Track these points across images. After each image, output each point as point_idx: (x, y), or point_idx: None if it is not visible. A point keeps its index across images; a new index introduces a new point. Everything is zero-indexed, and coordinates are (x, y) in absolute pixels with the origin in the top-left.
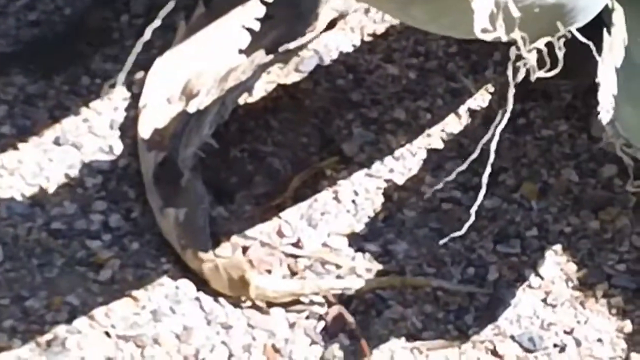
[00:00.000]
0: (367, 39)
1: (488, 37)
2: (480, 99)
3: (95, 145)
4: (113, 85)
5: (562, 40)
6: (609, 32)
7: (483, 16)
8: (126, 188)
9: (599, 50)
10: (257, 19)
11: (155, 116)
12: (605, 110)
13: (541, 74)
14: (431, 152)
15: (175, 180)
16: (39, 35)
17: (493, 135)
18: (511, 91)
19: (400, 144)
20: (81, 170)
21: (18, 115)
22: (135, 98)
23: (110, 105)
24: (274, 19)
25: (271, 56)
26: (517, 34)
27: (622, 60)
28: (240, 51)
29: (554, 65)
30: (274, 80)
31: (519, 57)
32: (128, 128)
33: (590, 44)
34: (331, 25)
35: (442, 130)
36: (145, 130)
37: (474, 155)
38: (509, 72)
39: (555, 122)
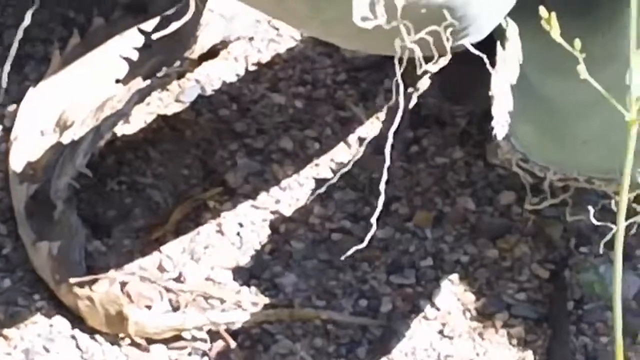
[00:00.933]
0: (252, 68)
1: (368, 26)
2: (371, 127)
3: None
4: None
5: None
6: (503, 47)
7: (362, 2)
8: None
9: (493, 65)
10: (135, 48)
11: (27, 148)
12: (500, 125)
13: (429, 67)
14: (319, 181)
15: (48, 213)
16: None
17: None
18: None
19: (287, 174)
20: None
21: None
22: (6, 131)
23: None
24: (152, 47)
25: (148, 81)
26: (399, 22)
27: (518, 78)
28: (118, 81)
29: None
30: (153, 111)
31: (404, 49)
32: None
33: (484, 56)
34: (213, 54)
35: (331, 160)
36: (16, 163)
37: None
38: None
39: (450, 150)
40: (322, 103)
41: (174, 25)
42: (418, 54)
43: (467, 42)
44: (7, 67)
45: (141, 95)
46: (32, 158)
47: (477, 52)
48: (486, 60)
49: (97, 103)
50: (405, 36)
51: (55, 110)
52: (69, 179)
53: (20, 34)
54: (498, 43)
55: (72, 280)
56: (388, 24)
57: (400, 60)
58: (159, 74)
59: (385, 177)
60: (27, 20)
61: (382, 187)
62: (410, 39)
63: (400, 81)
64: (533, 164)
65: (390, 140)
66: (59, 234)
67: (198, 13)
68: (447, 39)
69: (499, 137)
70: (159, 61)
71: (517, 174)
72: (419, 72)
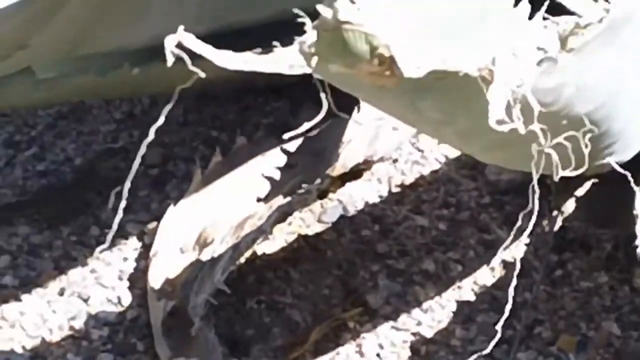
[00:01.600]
0: (395, 189)
1: (504, 129)
2: (516, 251)
3: (103, 296)
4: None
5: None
6: None
7: (499, 106)
8: (134, 340)
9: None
10: (278, 168)
11: (166, 265)
12: None
13: (566, 173)
14: (462, 304)
15: (185, 330)
16: (47, 185)
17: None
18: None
19: (429, 296)
20: (87, 322)
21: (21, 265)
22: (146, 249)
23: (120, 256)
24: (294, 167)
25: (289, 198)
26: (536, 126)
27: None
28: (259, 199)
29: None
30: (295, 230)
31: (540, 154)
32: (138, 279)
33: (628, 174)
34: (356, 175)
35: (474, 282)
36: (155, 279)
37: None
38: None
39: (595, 274)
40: (466, 225)
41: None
42: (555, 159)
43: (612, 161)
44: (127, 184)
45: (282, 213)
46: (171, 275)
47: (621, 170)
48: (630, 179)
49: (237, 221)
50: (542, 140)
51: (196, 228)
52: (207, 295)
53: (143, 149)
54: None
55: None
56: (524, 128)
57: (537, 167)
58: (300, 191)
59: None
60: (151, 135)
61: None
62: (548, 145)
63: (536, 185)
64: None
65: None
66: (196, 351)
67: (341, 130)
68: (586, 146)
69: None
70: (301, 180)
71: None
72: (555, 178)
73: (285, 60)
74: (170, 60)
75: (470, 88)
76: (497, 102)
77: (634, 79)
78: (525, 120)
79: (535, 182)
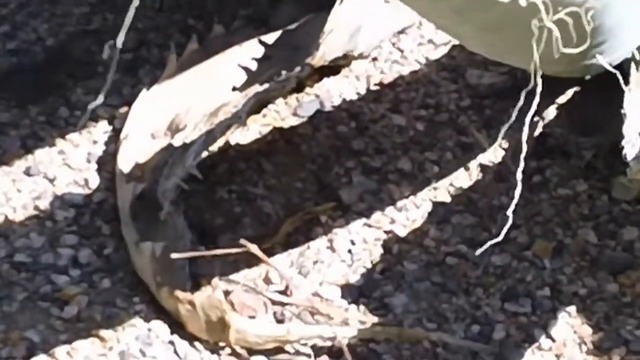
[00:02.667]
0: (373, 87)
1: None
2: (493, 155)
3: (70, 178)
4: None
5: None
6: (637, 69)
7: None
8: (100, 223)
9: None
10: (255, 59)
11: (137, 149)
12: (631, 145)
13: (567, 49)
14: (437, 205)
15: (153, 214)
16: (17, 63)
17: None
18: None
19: (404, 195)
20: (52, 203)
21: None
22: (116, 132)
23: (89, 139)
24: (272, 59)
25: (266, 85)
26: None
27: None
28: (234, 88)
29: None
30: (269, 123)
31: (542, 30)
32: (106, 162)
33: (617, 72)
34: (335, 71)
35: (451, 184)
36: (124, 163)
37: None
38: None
39: (573, 182)
40: (444, 127)
41: None
42: (556, 34)
43: (602, 60)
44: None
45: (258, 100)
46: (141, 159)
47: (610, 68)
48: (620, 78)
49: (211, 108)
50: (544, 15)
51: (168, 114)
52: (178, 179)
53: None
54: (632, 65)
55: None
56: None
57: (538, 45)
58: (279, 79)
59: (515, 202)
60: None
61: (509, 211)
62: (550, 17)
63: (538, 63)
64: None
65: (521, 165)
66: (163, 235)
67: (320, 26)
68: (588, 23)
69: (629, 157)
70: (278, 71)
71: None
72: (556, 55)
73: None
74: None
75: None
76: None
77: None
78: None
79: (535, 61)
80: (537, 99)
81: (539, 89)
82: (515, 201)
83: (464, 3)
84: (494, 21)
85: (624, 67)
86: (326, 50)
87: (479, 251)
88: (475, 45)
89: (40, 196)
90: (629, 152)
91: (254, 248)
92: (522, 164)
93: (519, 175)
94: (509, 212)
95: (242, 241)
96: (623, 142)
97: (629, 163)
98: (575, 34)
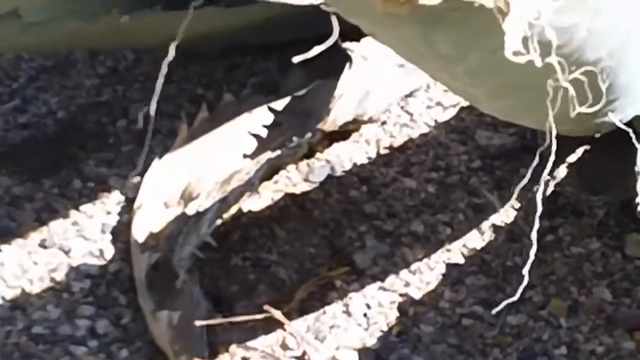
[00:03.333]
0: (383, 151)
1: (520, 60)
2: (505, 215)
3: (85, 249)
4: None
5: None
6: None
7: (515, 37)
8: (116, 293)
9: None
10: (265, 126)
11: (151, 219)
12: None
13: (583, 109)
14: (451, 266)
15: (169, 282)
16: (29, 137)
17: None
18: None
19: (417, 258)
20: (68, 274)
21: (2, 216)
22: (129, 202)
23: (103, 209)
24: (282, 125)
25: (278, 151)
26: (553, 59)
27: None
28: (245, 156)
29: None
30: (281, 189)
31: (557, 90)
32: (121, 232)
33: (629, 130)
34: (344, 135)
35: (464, 246)
36: (139, 232)
37: None
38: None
39: (586, 240)
40: (455, 189)
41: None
42: (572, 93)
43: (614, 117)
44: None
45: (270, 167)
46: (155, 228)
47: (623, 127)
48: (632, 135)
49: (223, 176)
50: (559, 74)
51: (181, 183)
52: (192, 248)
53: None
54: None
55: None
56: (541, 61)
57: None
58: (290, 145)
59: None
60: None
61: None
62: (565, 77)
63: (553, 126)
64: None
65: (536, 225)
66: (180, 304)
67: (330, 92)
68: (603, 81)
69: None
70: (289, 138)
71: None
72: (572, 114)
73: None
74: None
75: (484, 21)
76: (513, 33)
77: None
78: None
79: (550, 121)
80: (552, 158)
81: (554, 147)
82: (530, 260)
83: (478, 66)
84: (508, 83)
85: (634, 124)
86: (336, 115)
87: (494, 311)
88: (488, 107)
89: (56, 268)
90: None
91: (277, 314)
92: (537, 224)
93: (534, 235)
94: (525, 271)
95: (266, 307)
96: (638, 199)
97: None
98: (591, 93)
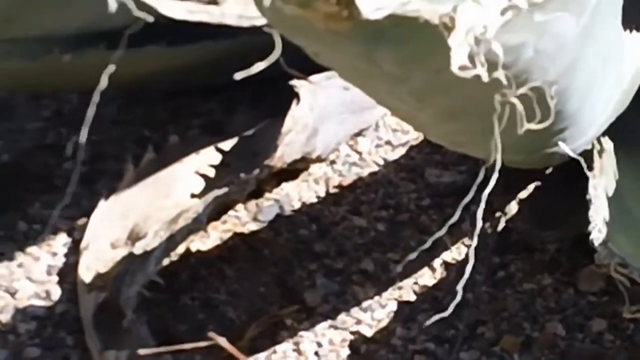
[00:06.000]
0: (333, 190)
1: (466, 75)
2: (456, 252)
3: (31, 291)
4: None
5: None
6: (600, 156)
7: (461, 52)
8: (63, 334)
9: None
10: (212, 166)
11: (97, 260)
12: (597, 230)
13: (531, 125)
14: (402, 304)
15: (116, 322)
16: None
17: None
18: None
19: (369, 296)
20: (14, 316)
21: None
22: (76, 244)
23: (49, 251)
24: (230, 165)
25: (225, 189)
26: (500, 74)
27: (614, 194)
28: (193, 195)
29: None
30: (230, 229)
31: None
32: (67, 274)
33: (581, 159)
34: (293, 175)
35: (415, 283)
36: (86, 273)
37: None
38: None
39: (538, 276)
40: (405, 227)
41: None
42: (520, 109)
43: (565, 147)
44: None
45: (218, 204)
46: (102, 268)
47: (575, 156)
48: (584, 164)
49: (171, 215)
50: (507, 89)
51: (128, 223)
52: (139, 287)
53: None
54: (595, 153)
55: None
56: (488, 75)
57: (500, 121)
58: (238, 181)
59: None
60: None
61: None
62: (513, 92)
63: (498, 141)
64: (633, 268)
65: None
66: (127, 344)
67: (277, 130)
68: (552, 98)
69: (596, 243)
70: (236, 177)
71: (610, 302)
72: (520, 131)
73: (232, 10)
74: (112, 6)
75: (429, 38)
76: (459, 48)
77: (593, 56)
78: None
79: (496, 140)
80: (495, 176)
81: (499, 164)
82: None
83: (423, 86)
84: (454, 105)
85: (584, 157)
86: (285, 152)
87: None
88: (434, 132)
89: (2, 310)
90: (596, 238)
91: (222, 340)
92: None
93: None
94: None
95: (211, 334)
96: (590, 228)
97: (596, 249)
98: (539, 111)
